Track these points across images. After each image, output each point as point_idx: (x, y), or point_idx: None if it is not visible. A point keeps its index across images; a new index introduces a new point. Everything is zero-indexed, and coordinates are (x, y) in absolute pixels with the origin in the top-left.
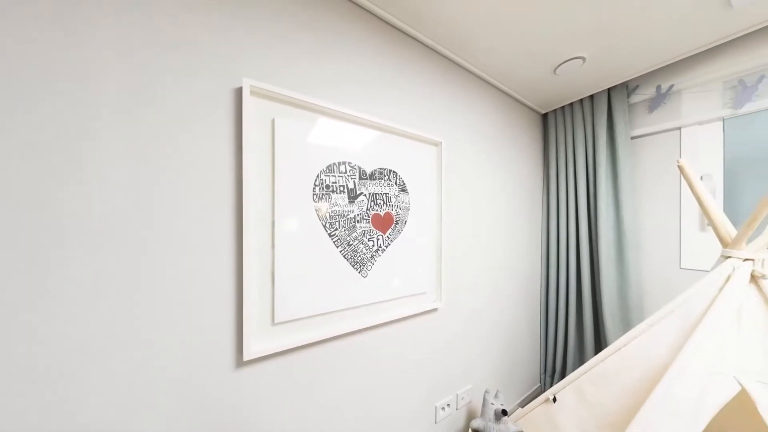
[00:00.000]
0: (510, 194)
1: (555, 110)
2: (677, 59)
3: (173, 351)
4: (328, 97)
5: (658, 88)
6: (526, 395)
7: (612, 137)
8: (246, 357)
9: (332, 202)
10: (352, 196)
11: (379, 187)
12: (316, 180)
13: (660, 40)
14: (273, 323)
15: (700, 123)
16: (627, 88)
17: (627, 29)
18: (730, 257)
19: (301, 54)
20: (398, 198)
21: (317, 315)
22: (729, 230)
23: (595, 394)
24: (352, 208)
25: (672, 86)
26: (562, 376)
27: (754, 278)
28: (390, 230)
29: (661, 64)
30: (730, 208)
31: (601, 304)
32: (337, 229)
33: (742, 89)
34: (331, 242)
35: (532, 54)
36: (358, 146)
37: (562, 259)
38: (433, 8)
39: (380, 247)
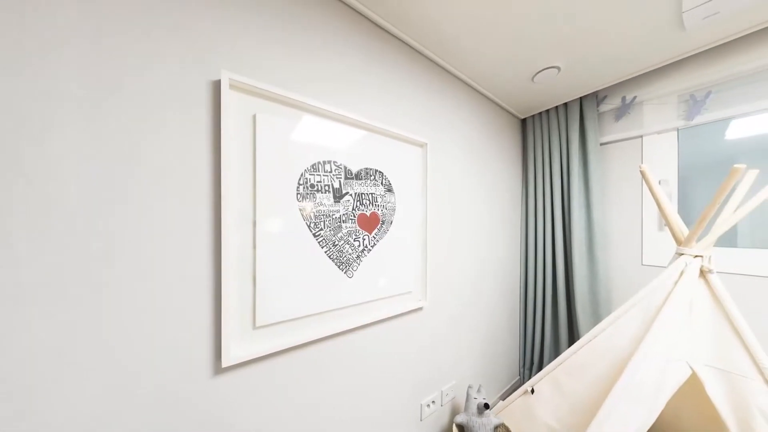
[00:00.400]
0: (491, 195)
1: (533, 116)
2: (639, 73)
3: (146, 359)
4: (312, 94)
5: (623, 99)
6: (506, 388)
7: (583, 143)
8: (225, 363)
9: (317, 201)
10: (338, 196)
11: (365, 187)
12: (300, 179)
13: (624, 56)
14: (254, 327)
15: (659, 132)
16: (597, 97)
17: (595, 44)
18: (683, 254)
19: (284, 49)
20: (384, 198)
21: (301, 317)
22: (682, 230)
23: (569, 384)
24: (337, 208)
25: (635, 98)
26: (540, 368)
27: (702, 273)
28: (376, 230)
29: (626, 77)
30: (683, 210)
31: (574, 299)
32: (322, 229)
33: (693, 103)
34: (316, 242)
35: (513, 61)
36: (343, 145)
37: (539, 257)
38: (418, 11)
39: (366, 247)
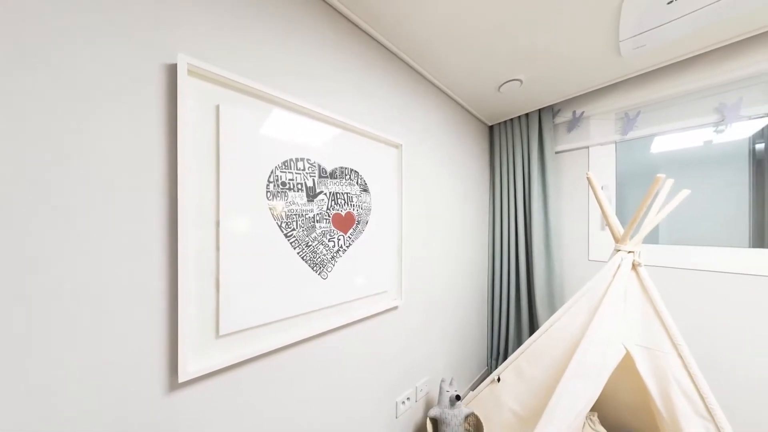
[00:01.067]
0: (462, 197)
1: (499, 123)
2: (586, 91)
3: (89, 377)
4: (284, 88)
5: (574, 113)
6: (476, 379)
7: (542, 151)
8: (182, 378)
9: (289, 200)
10: (311, 195)
11: (340, 186)
12: (270, 176)
13: (574, 75)
14: (217, 336)
15: (601, 144)
16: (552, 110)
17: (551, 63)
18: (619, 251)
19: (253, 38)
20: (360, 198)
21: (271, 322)
22: (619, 229)
23: (530, 370)
24: (311, 208)
25: (583, 113)
26: (505, 357)
27: (634, 266)
28: (351, 230)
29: (576, 94)
30: (620, 212)
31: (533, 292)
32: (294, 230)
33: (626, 120)
34: (288, 243)
35: (481, 71)
36: (317, 143)
37: (504, 255)
38: (393, 13)
39: (341, 247)
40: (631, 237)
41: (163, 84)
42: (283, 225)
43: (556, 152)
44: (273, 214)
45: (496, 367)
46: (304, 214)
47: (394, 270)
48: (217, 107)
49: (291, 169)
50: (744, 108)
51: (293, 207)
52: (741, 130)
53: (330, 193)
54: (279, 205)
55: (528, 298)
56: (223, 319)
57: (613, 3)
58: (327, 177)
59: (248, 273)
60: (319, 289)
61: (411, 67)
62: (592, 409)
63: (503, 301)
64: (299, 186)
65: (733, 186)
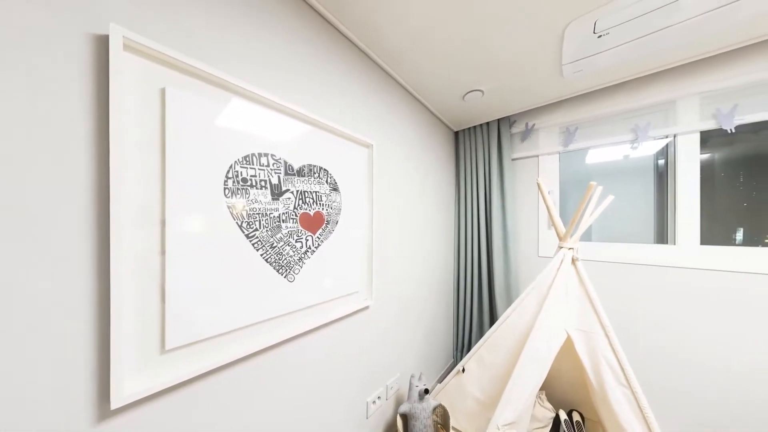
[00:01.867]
0: (431, 198)
1: (464, 130)
2: (536, 106)
3: None
4: (247, 77)
5: (526, 124)
6: (443, 371)
7: (500, 158)
8: (116, 404)
9: (251, 198)
10: (277, 193)
11: (308, 185)
12: (229, 171)
13: (526, 91)
14: (163, 351)
15: (548, 154)
16: (509, 121)
17: (507, 78)
18: (562, 248)
19: (210, 18)
20: (329, 197)
21: (231, 331)
22: (562, 229)
23: (490, 359)
24: (276, 206)
25: (534, 125)
26: (470, 348)
27: (573, 261)
28: (320, 230)
29: (527, 108)
30: (562, 214)
31: (493, 287)
32: (257, 230)
33: (567, 134)
34: (250, 245)
35: (447, 79)
36: (283, 138)
37: (468, 253)
38: (361, 10)
39: (309, 248)
40: (571, 236)
41: (91, 59)
42: (245, 225)
43: (513, 159)
44: (232, 213)
45: (461, 359)
46: (268, 213)
47: (364, 270)
48: (163, 91)
49: (253, 164)
50: (651, 130)
51: (256, 205)
52: (648, 148)
53: (297, 191)
54: (239, 203)
55: (489, 292)
56: (170, 332)
57: (557, 30)
58: (294, 174)
59: (202, 278)
60: (285, 292)
61: (384, 70)
62: (541, 389)
63: (467, 295)
64: (263, 183)
65: (643, 193)
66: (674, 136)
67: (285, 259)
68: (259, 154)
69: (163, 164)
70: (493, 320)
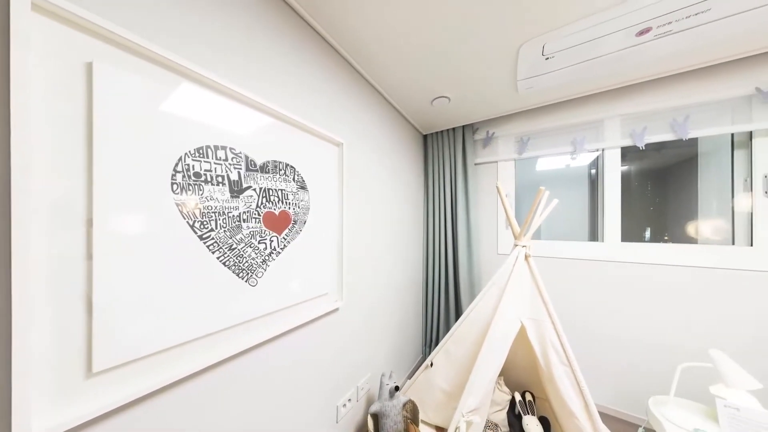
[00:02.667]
0: (401, 198)
1: (433, 134)
2: (495, 116)
3: None
4: (201, 61)
5: (488, 132)
6: (413, 367)
7: (465, 162)
8: None
9: (205, 195)
10: (237, 190)
11: (273, 182)
12: (178, 164)
13: (487, 101)
14: (90, 374)
15: (506, 160)
16: (473, 128)
17: (470, 88)
18: (517, 245)
19: None
20: (297, 196)
21: (180, 344)
22: (517, 228)
23: (456, 351)
24: (235, 205)
25: (494, 133)
26: (437, 343)
27: (526, 257)
28: (287, 231)
29: (488, 117)
30: (518, 215)
31: (459, 282)
32: (213, 230)
33: (521, 143)
34: (204, 246)
35: (416, 84)
36: (244, 131)
37: (436, 251)
38: (332, 6)
39: (275, 249)
40: (525, 234)
41: None
42: (198, 225)
43: (476, 164)
44: (182, 212)
45: (430, 353)
46: (226, 212)
47: (334, 271)
48: (89, 65)
49: (208, 158)
50: (586, 144)
51: (211, 203)
52: (584, 159)
53: (261, 189)
54: (191, 200)
55: (454, 287)
56: (99, 350)
57: (513, 50)
58: (256, 171)
59: (143, 286)
60: (247, 297)
61: (356, 69)
62: (499, 374)
63: (435, 292)
64: (220, 179)
65: (580, 198)
66: (602, 150)
67: (246, 261)
68: (216, 147)
69: (89, 152)
70: (458, 314)
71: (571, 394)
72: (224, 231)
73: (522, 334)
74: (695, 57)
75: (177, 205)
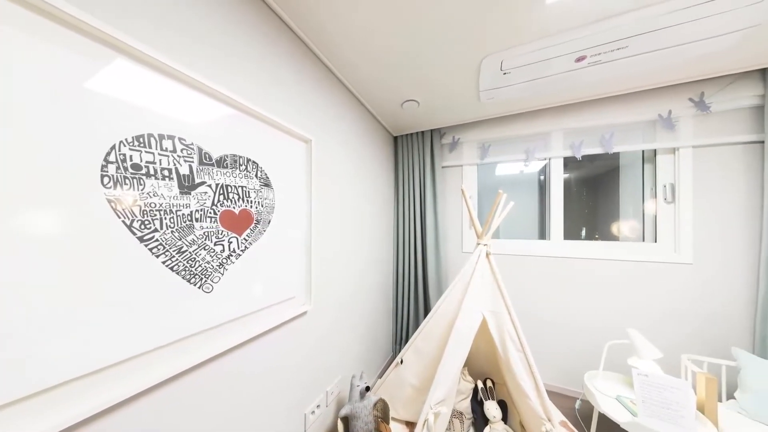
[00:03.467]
0: (372, 198)
1: (403, 136)
2: (460, 123)
3: None
4: (141, 36)
5: (453, 137)
6: (383, 366)
7: (433, 165)
8: None
9: (147, 190)
10: (188, 186)
11: (232, 178)
12: (110, 154)
13: (452, 108)
14: None
15: (469, 164)
16: (440, 132)
17: (438, 94)
18: (479, 244)
19: None
20: (260, 193)
21: (106, 367)
22: (479, 228)
23: (425, 347)
24: (186, 202)
25: (459, 138)
26: (407, 339)
27: (487, 255)
28: (249, 231)
29: (454, 123)
30: (480, 216)
31: (427, 280)
32: (157, 231)
33: (483, 149)
34: (145, 250)
35: (386, 86)
36: (198, 120)
37: (406, 250)
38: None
39: (234, 252)
40: (486, 234)
41: None
42: (137, 224)
43: (443, 167)
44: (116, 209)
45: (400, 351)
46: (175, 210)
47: (302, 273)
48: None
49: (151, 147)
50: (537, 153)
51: (156, 200)
52: (535, 167)
53: (217, 185)
54: (128, 196)
55: (423, 285)
56: None
57: (476, 62)
58: (212, 165)
59: (58, 298)
60: (199, 305)
61: (327, 67)
62: (463, 365)
63: (405, 290)
64: (166, 172)
65: (531, 201)
66: (549, 159)
67: (200, 265)
68: (161, 136)
69: None
70: (427, 311)
71: (524, 376)
72: (172, 232)
73: (483, 326)
74: (617, 85)
75: (109, 201)
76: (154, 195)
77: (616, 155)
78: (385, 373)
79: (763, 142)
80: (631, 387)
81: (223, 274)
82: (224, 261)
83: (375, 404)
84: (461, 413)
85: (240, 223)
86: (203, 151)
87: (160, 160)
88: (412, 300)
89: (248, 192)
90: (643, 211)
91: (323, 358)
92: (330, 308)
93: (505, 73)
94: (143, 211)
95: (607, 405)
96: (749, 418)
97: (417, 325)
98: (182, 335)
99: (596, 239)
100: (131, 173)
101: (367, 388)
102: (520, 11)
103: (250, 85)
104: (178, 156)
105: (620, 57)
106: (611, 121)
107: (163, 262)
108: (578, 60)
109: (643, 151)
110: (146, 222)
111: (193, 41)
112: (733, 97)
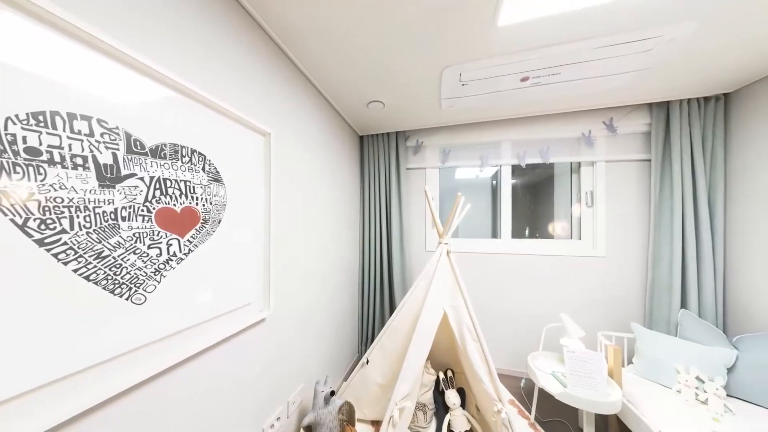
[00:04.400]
0: (337, 197)
1: (369, 136)
2: (423, 127)
3: None
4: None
5: (417, 140)
6: (348, 368)
7: (398, 166)
8: None
9: (50, 181)
10: (111, 178)
11: (172, 171)
12: None
13: (416, 113)
14: None
15: (432, 167)
16: (405, 135)
17: (402, 98)
18: (441, 243)
19: None
20: (208, 189)
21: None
22: (441, 228)
23: (390, 344)
24: (109, 197)
25: (422, 142)
26: (373, 339)
27: (447, 253)
28: (193, 232)
29: (417, 127)
30: (441, 216)
31: (393, 278)
32: (64, 232)
33: (444, 154)
34: (48, 255)
35: (354, 85)
36: (125, 100)
37: (372, 249)
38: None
39: (174, 255)
40: (446, 234)
41: None
42: (34, 223)
43: (407, 169)
44: (1, 204)
45: (366, 351)
46: (92, 206)
47: (260, 277)
48: None
49: (56, 129)
50: (490, 160)
51: (63, 194)
52: (488, 172)
53: (152, 178)
54: (21, 188)
55: (389, 283)
56: None
57: (438, 71)
58: (145, 154)
59: None
60: (127, 320)
61: (290, 60)
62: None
63: (371, 289)
64: (80, 160)
65: (485, 204)
66: (500, 166)
67: (127, 273)
68: (71, 116)
69: None
70: (392, 309)
71: (479, 363)
72: (88, 233)
73: (444, 320)
74: (553, 105)
75: None
76: (60, 188)
77: (552, 165)
78: (350, 376)
79: (650, 160)
80: (563, 363)
81: (160, 282)
82: (161, 267)
83: (340, 408)
84: (424, 405)
85: (182, 222)
86: (133, 138)
87: (70, 145)
88: (377, 299)
89: (193, 187)
90: (571, 213)
91: (284, 366)
92: (292, 313)
93: (463, 84)
94: (44, 207)
95: (544, 380)
96: (642, 377)
97: (383, 323)
98: (107, 356)
99: (537, 237)
100: (24, 159)
101: (332, 393)
102: (475, 29)
103: (196, 66)
104: (97, 141)
105: (555, 81)
106: (548, 136)
107: (75, 270)
108: (523, 80)
109: (570, 163)
110: (49, 221)
111: (120, 3)
112: (631, 123)
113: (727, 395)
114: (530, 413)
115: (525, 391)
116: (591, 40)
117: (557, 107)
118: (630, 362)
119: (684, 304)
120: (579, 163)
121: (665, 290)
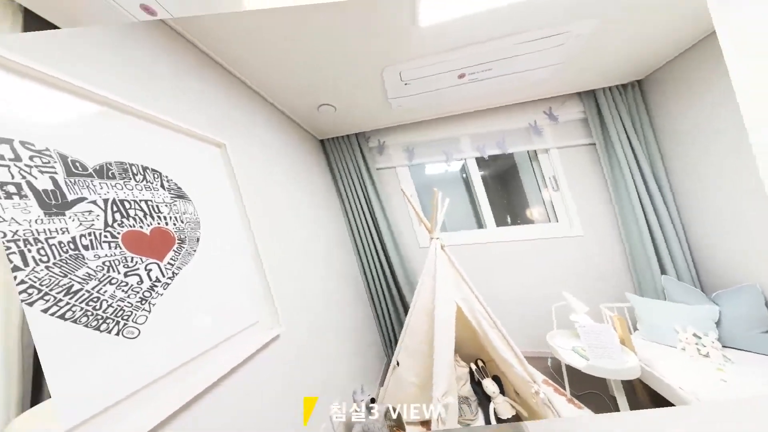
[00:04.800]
0: (315, 205)
1: (330, 139)
2: (380, 128)
3: None
4: None
5: (379, 141)
6: (381, 373)
7: (367, 167)
8: None
9: None
10: (57, 204)
11: (127, 191)
12: None
13: (368, 114)
14: None
15: (401, 166)
16: (365, 136)
17: (351, 100)
18: (432, 238)
19: None
20: (174, 207)
21: None
22: (427, 224)
23: (413, 344)
24: (61, 226)
25: (384, 142)
26: (396, 340)
27: (442, 248)
28: (172, 253)
29: (374, 128)
30: (425, 212)
31: (396, 277)
32: (18, 269)
33: (409, 152)
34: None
35: (298, 90)
36: (52, 120)
37: (368, 253)
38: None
39: (158, 281)
40: (435, 228)
41: None
42: None
43: (377, 169)
44: None
45: (392, 353)
46: (44, 238)
47: (260, 293)
48: None
49: None
50: (454, 154)
51: (5, 227)
52: (456, 166)
53: (107, 200)
54: None
55: (394, 282)
56: None
57: (378, 70)
58: (90, 176)
59: None
60: (123, 357)
61: (230, 72)
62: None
63: (379, 293)
64: (12, 188)
65: (462, 196)
66: (465, 159)
67: (109, 306)
68: None
69: None
70: (405, 307)
71: (504, 349)
72: (48, 267)
73: (459, 313)
74: (496, 98)
75: None
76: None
77: (512, 155)
78: (385, 381)
79: (594, 144)
80: (579, 338)
81: (150, 311)
82: (146, 295)
83: (385, 414)
84: (467, 398)
85: (156, 245)
86: (70, 159)
87: None
88: (388, 299)
89: (157, 206)
90: (542, 198)
91: (311, 381)
92: (305, 327)
93: (406, 84)
94: None
95: (568, 357)
96: (649, 340)
97: (401, 323)
98: (106, 403)
99: (519, 224)
100: None
101: (372, 400)
102: (402, 32)
103: (135, 84)
104: (28, 166)
105: (489, 77)
106: (501, 128)
107: (45, 311)
108: (460, 77)
109: (528, 151)
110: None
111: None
112: (568, 111)
113: (723, 347)
114: (565, 389)
115: (553, 369)
116: (511, 37)
117: (500, 100)
118: (636, 329)
119: (663, 270)
120: (535, 151)
121: (644, 260)
